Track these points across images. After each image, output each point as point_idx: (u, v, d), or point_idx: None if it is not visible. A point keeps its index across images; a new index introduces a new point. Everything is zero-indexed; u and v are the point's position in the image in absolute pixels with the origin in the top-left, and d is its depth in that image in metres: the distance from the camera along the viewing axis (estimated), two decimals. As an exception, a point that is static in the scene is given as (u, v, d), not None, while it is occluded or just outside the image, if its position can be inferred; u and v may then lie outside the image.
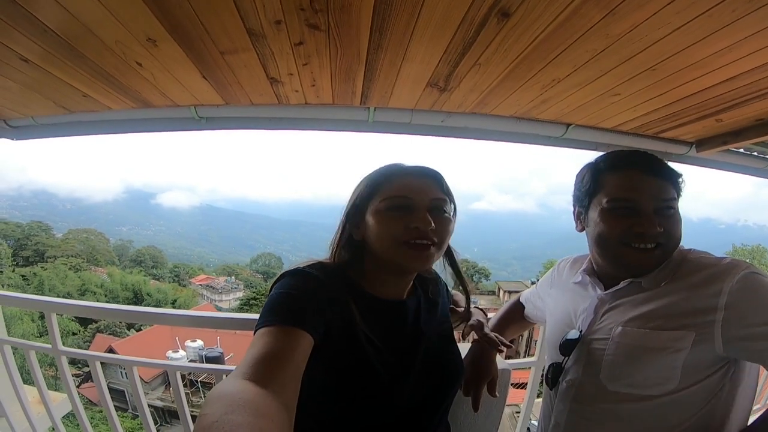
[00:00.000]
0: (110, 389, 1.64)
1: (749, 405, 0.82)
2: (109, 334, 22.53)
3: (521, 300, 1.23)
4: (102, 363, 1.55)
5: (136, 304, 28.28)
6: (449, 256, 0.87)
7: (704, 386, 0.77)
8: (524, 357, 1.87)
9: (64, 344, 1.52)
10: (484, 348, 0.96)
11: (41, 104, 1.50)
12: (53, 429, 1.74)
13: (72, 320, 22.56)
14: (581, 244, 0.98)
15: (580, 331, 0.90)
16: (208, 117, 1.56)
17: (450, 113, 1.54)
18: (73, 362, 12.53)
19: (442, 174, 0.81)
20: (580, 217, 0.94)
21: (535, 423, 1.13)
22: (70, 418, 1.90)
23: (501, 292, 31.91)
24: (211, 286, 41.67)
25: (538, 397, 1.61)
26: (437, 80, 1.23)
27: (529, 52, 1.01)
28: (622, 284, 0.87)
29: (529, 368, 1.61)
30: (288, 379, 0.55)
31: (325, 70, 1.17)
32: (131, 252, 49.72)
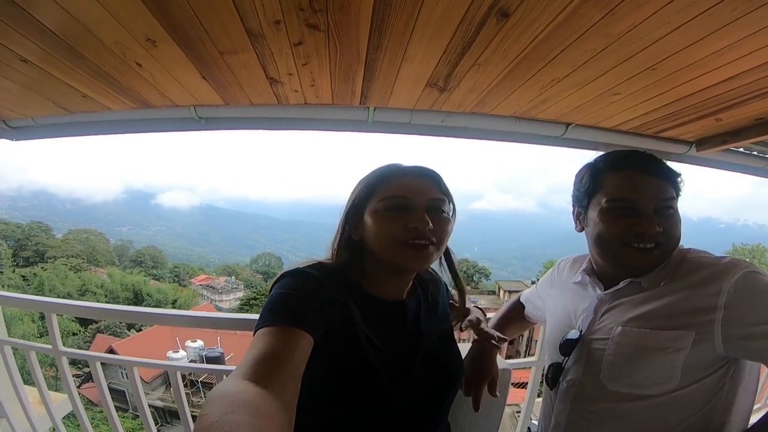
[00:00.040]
0: (111, 389, 1.65)
1: (750, 404, 0.82)
2: (110, 334, 22.53)
3: (521, 300, 1.23)
4: (102, 363, 1.56)
5: (136, 304, 28.29)
6: (446, 256, 0.87)
7: (704, 385, 0.77)
8: (524, 357, 1.87)
9: (64, 345, 1.52)
10: (485, 348, 0.96)
11: (41, 105, 1.50)
12: (54, 429, 1.74)
13: (72, 321, 22.57)
14: (581, 244, 0.98)
15: (580, 331, 0.90)
16: (207, 117, 1.56)
17: (450, 113, 1.54)
18: (73, 362, 12.54)
19: (441, 174, 0.81)
20: (580, 218, 0.94)
21: (536, 422, 1.13)
22: (71, 418, 1.90)
23: (501, 292, 31.92)
24: (212, 287, 41.66)
25: (538, 396, 1.61)
26: (437, 80, 1.23)
27: (529, 52, 1.01)
28: (621, 284, 0.87)
29: (530, 368, 1.61)
30: (288, 379, 0.55)
31: (325, 70, 1.17)
32: (131, 252, 49.71)
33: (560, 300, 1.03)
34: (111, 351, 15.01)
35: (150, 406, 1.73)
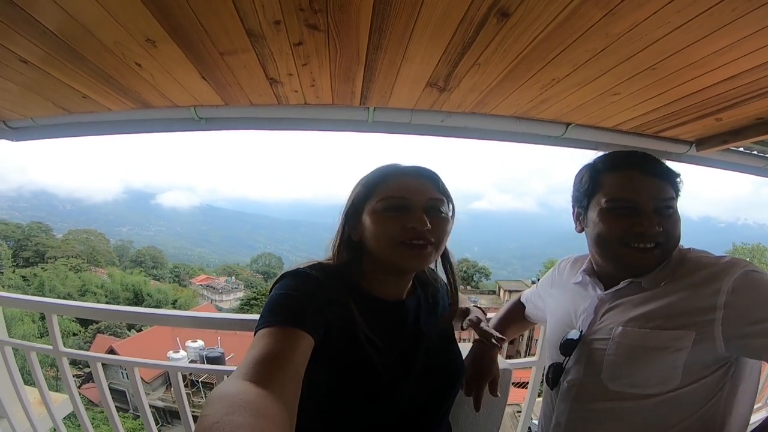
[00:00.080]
0: (111, 390, 1.65)
1: (750, 403, 0.82)
2: (110, 334, 22.53)
3: (522, 300, 1.23)
4: (103, 364, 1.56)
5: (136, 304, 28.30)
6: (443, 256, 0.87)
7: (705, 385, 0.77)
8: (525, 356, 1.87)
9: (64, 345, 1.52)
10: (486, 348, 0.96)
11: (41, 105, 1.50)
12: (54, 430, 1.74)
13: (73, 321, 22.58)
14: (581, 244, 0.98)
15: (581, 331, 0.90)
16: (207, 117, 1.56)
17: (450, 113, 1.54)
18: (74, 363, 12.54)
19: (439, 174, 0.81)
20: (580, 218, 0.94)
21: (536, 422, 1.13)
22: (72, 418, 1.90)
23: (501, 292, 31.91)
24: (212, 287, 41.67)
25: (539, 396, 1.61)
26: (437, 80, 1.22)
27: (529, 52, 1.01)
28: (622, 284, 0.87)
29: (530, 368, 1.61)
30: (288, 379, 0.55)
31: (325, 70, 1.17)
32: (131, 252, 49.72)
33: (561, 300, 1.04)
34: (111, 351, 15.02)
35: (150, 406, 1.73)
